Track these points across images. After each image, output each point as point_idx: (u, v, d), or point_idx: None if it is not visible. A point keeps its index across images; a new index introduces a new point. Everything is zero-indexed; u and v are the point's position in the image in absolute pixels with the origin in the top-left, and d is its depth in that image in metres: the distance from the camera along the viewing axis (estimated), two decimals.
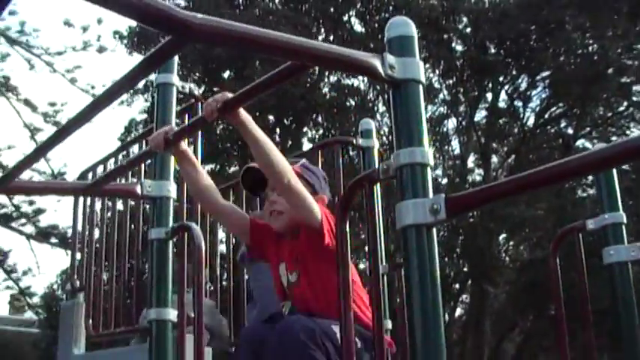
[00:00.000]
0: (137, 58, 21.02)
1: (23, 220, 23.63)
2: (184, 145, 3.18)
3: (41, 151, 2.81)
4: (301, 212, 2.97)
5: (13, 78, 23.17)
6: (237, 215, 3.34)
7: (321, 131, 20.47)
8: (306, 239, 3.03)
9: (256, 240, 3.27)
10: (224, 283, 9.54)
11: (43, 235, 23.23)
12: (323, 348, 2.75)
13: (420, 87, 2.12)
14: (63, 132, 2.40)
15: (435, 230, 2.02)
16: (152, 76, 3.70)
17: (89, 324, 4.56)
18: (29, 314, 30.82)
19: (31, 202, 23.00)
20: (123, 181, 4.16)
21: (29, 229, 23.62)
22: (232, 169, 19.30)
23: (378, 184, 2.44)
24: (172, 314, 3.27)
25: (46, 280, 40.70)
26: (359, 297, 2.99)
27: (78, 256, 5.10)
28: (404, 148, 2.08)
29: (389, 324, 4.42)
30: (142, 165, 4.04)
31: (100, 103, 2.28)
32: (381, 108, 20.62)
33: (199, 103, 3.87)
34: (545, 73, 19.37)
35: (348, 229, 2.30)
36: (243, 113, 2.78)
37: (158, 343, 3.24)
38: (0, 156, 23.03)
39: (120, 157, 4.92)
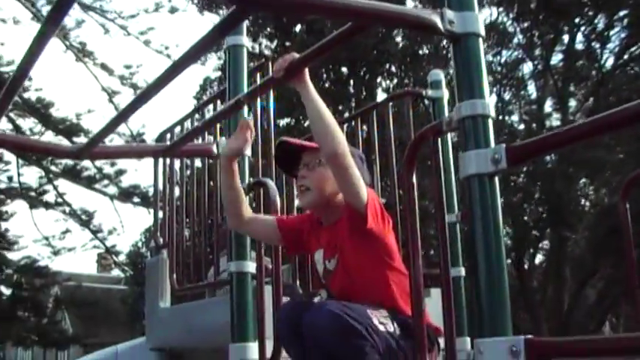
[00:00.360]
0: (207, 16, 21.26)
1: (106, 182, 24.29)
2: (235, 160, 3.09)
3: (122, 116, 2.95)
4: (346, 189, 2.76)
5: (89, 43, 23.74)
6: (262, 225, 3.16)
7: (395, 81, 20.36)
8: (347, 222, 2.81)
9: (290, 240, 3.11)
10: None
11: (126, 195, 23.84)
12: (360, 333, 2.52)
13: (480, 40, 2.16)
14: (142, 97, 2.50)
15: (496, 179, 2.08)
16: None
17: (173, 279, 4.75)
18: (116, 272, 31.88)
19: (112, 164, 23.62)
20: (200, 140, 4.29)
21: (112, 189, 24.29)
22: (307, 122, 19.43)
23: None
24: (251, 266, 3.43)
25: (131, 238, 41.80)
26: (400, 282, 2.82)
27: (160, 214, 5.28)
28: (465, 100, 2.14)
29: (462, 271, 4.51)
30: (217, 125, 4.17)
31: (175, 69, 2.39)
32: None
33: (269, 63, 3.96)
34: (623, 12, 18.77)
35: (414, 181, 2.38)
36: (306, 76, 2.72)
37: (238, 295, 3.41)
38: (81, 120, 23.68)
39: (196, 117, 5.08)
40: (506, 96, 20.90)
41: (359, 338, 2.50)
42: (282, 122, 20.02)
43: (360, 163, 2.93)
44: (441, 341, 2.49)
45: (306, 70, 2.73)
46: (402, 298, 2.78)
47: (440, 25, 2.12)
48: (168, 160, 5.24)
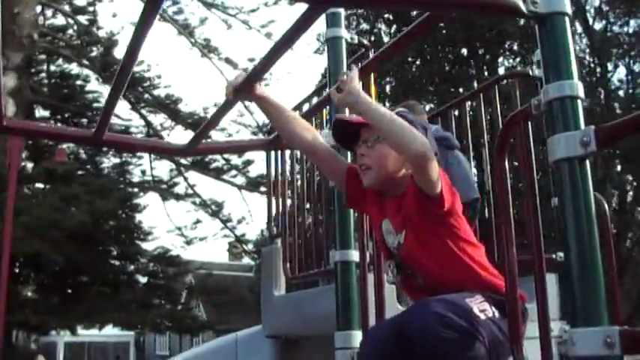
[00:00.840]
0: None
1: (234, 172, 24.86)
2: (260, 88, 2.96)
3: (222, 111, 2.99)
4: (424, 180, 2.64)
5: (213, 39, 24.39)
6: (334, 159, 3.04)
7: (518, 59, 19.91)
8: (415, 200, 2.70)
9: (353, 190, 2.99)
10: None
11: (253, 184, 24.33)
12: (468, 331, 2.39)
13: (566, 19, 2.10)
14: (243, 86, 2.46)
15: (587, 162, 2.02)
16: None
17: (287, 267, 4.85)
18: (246, 260, 32.65)
19: (240, 155, 24.16)
20: None
21: (240, 180, 24.85)
22: (428, 106, 19.28)
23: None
24: (355, 255, 3.45)
25: (259, 226, 42.74)
26: (478, 255, 2.75)
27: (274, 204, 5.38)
28: (553, 82, 2.08)
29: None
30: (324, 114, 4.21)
31: (273, 53, 2.42)
32: (579, 28, 19.71)
33: (369, 52, 3.97)
34: None
35: (507, 167, 2.35)
36: (357, 87, 2.66)
37: (343, 283, 3.45)
38: (208, 113, 24.34)
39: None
40: (637, 68, 20.06)
41: (469, 337, 2.39)
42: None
43: (423, 132, 2.78)
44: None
45: (357, 83, 2.68)
46: (485, 271, 2.70)
47: (523, 7, 2.09)
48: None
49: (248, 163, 24.60)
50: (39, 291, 20.85)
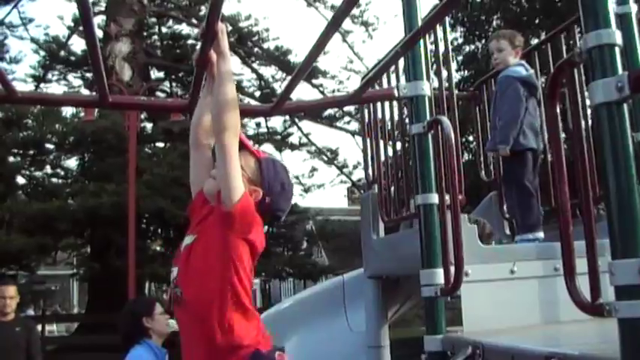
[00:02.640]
0: None
1: (347, 119, 25.13)
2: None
3: (301, 72, 3.19)
4: (220, 180, 2.61)
5: None
6: (204, 166, 2.92)
7: None
8: (216, 211, 2.65)
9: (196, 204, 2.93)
10: None
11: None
12: None
13: None
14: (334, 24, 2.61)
15: (625, 106, 2.15)
16: None
17: (382, 212, 5.10)
18: None
19: None
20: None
21: (353, 126, 25.11)
22: (535, 40, 18.86)
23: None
24: (435, 198, 3.68)
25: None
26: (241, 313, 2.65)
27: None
28: (591, 31, 2.22)
29: None
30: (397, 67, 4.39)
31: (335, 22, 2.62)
32: None
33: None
34: None
35: (558, 114, 2.50)
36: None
37: (425, 225, 3.68)
38: (317, 62, 24.60)
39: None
40: None
41: None
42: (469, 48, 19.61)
43: (276, 187, 2.78)
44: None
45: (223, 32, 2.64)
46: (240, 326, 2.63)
47: None
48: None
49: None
50: (165, 245, 21.89)
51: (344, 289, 5.84)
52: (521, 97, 5.04)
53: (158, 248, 22.18)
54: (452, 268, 3.38)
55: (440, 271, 3.52)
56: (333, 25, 2.49)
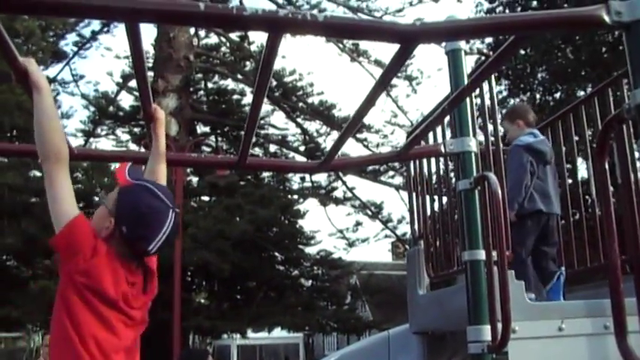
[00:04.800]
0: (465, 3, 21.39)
1: (391, 173, 25.12)
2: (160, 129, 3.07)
3: (349, 129, 3.25)
4: (51, 211, 2.45)
5: (362, 43, 24.79)
6: None
7: None
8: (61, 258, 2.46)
9: None
10: None
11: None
12: None
13: None
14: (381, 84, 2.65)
15: None
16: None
17: (429, 267, 5.09)
18: None
19: None
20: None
21: (397, 180, 25.08)
22: (580, 92, 18.80)
23: None
24: (482, 255, 3.67)
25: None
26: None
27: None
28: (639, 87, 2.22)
29: None
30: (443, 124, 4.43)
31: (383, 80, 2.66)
32: None
33: (487, 58, 4.14)
34: None
35: (607, 174, 2.50)
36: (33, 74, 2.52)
37: (472, 281, 3.67)
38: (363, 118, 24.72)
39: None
40: None
41: None
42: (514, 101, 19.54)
43: (130, 219, 2.55)
44: None
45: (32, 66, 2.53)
46: None
47: (607, 18, 2.22)
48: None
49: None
50: (210, 297, 21.98)
51: (389, 344, 5.80)
52: (524, 164, 5.10)
53: (202, 301, 22.26)
54: (499, 325, 3.35)
55: (487, 328, 3.50)
56: (381, 85, 2.54)
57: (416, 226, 5.53)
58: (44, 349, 6.85)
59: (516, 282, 3.75)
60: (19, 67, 2.51)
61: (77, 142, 23.64)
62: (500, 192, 3.53)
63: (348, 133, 3.29)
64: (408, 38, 2.03)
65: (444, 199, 5.22)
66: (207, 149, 24.61)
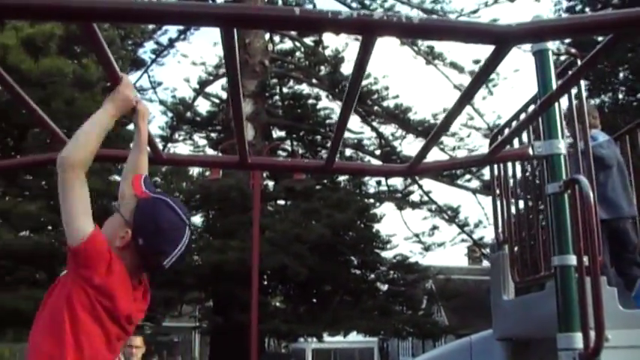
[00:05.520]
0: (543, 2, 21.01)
1: (468, 177, 24.87)
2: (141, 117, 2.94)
3: (435, 136, 3.22)
4: (63, 214, 2.42)
5: (437, 45, 24.65)
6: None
7: None
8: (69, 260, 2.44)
9: None
10: None
11: (488, 187, 24.17)
12: None
13: None
14: (472, 87, 2.58)
15: None
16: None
17: (514, 272, 5.00)
18: (486, 263, 32.41)
19: None
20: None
21: (474, 183, 24.83)
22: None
23: None
24: (573, 260, 3.58)
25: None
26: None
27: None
28: None
29: None
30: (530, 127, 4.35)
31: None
32: None
33: (578, 59, 4.05)
34: None
35: None
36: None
37: (562, 287, 3.59)
38: (438, 120, 24.57)
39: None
40: None
41: None
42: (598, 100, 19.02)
43: (150, 234, 2.51)
44: None
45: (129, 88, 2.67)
46: None
47: None
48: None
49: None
50: (286, 301, 22.12)
51: (471, 350, 5.74)
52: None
53: (278, 304, 22.42)
54: (592, 333, 3.27)
55: (578, 336, 3.41)
56: (474, 87, 2.50)
57: (500, 230, 5.45)
58: (127, 349, 6.96)
59: (609, 288, 3.66)
60: (116, 78, 2.60)
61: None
62: (591, 195, 3.44)
63: (437, 136, 3.25)
64: (505, 39, 2.00)
65: (529, 203, 5.13)
66: (283, 154, 24.80)
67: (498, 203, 5.45)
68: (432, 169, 4.55)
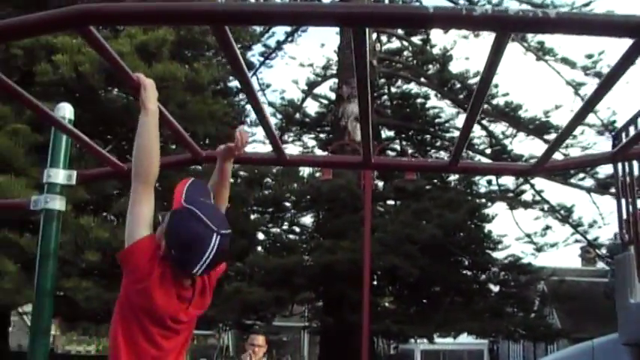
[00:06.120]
0: None
1: (581, 175, 24.20)
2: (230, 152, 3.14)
3: (586, 108, 3.05)
4: (126, 224, 2.70)
5: (547, 41, 24.09)
6: None
7: None
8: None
9: None
10: None
11: (603, 186, 23.48)
12: None
13: None
14: (607, 82, 2.46)
15: None
16: None
17: None
18: (600, 264, 31.43)
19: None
20: None
21: (588, 182, 24.14)
22: None
23: None
24: None
25: (611, 230, 40.84)
26: None
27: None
28: None
29: None
30: None
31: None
32: None
33: None
34: None
35: None
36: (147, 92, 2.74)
37: None
38: (549, 117, 24.06)
39: None
40: None
41: None
42: None
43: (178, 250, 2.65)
44: None
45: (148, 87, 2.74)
46: None
47: None
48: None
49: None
50: (397, 302, 22.04)
51: (593, 355, 5.56)
52: None
53: (387, 304, 22.37)
54: None
55: None
56: (607, 84, 2.40)
57: (624, 231, 5.27)
58: (251, 347, 7.10)
59: None
60: (134, 83, 2.71)
61: (266, 148, 24.51)
62: None
63: (565, 135, 3.17)
64: None
65: None
66: (392, 154, 24.74)
67: (623, 202, 5.27)
68: (557, 168, 4.44)
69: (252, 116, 26.21)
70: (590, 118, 24.16)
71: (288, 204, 20.33)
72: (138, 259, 2.60)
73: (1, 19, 2.16)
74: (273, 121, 26.84)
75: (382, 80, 25.18)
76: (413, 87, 25.94)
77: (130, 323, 2.62)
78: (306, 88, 26.26)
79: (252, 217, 19.65)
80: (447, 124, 25.76)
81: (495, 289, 22.21)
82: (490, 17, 1.91)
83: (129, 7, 2.00)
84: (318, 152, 25.36)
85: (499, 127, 25.41)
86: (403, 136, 25.86)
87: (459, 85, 24.43)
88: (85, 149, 3.77)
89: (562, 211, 24.71)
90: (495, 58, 2.22)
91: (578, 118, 2.77)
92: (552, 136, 24.59)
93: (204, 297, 2.82)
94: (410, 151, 24.67)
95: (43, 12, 2.09)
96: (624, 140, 3.85)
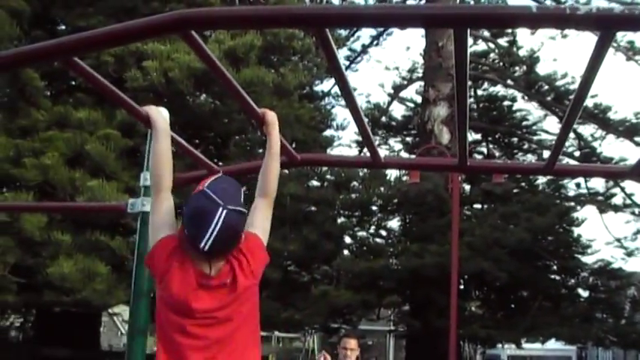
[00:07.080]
0: None
1: None
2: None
3: None
4: (149, 230, 3.08)
5: (638, 40, 23.44)
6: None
7: None
8: None
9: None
10: None
11: None
12: None
13: None
14: None
15: None
16: None
17: None
18: None
19: None
20: None
21: None
22: None
23: None
24: None
25: None
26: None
27: None
28: None
29: None
30: None
31: None
32: None
33: None
34: None
35: None
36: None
37: None
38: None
39: None
40: None
41: None
42: None
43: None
44: None
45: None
46: None
47: None
48: None
49: None
50: (484, 306, 21.76)
51: None
52: None
53: (474, 309, 22.11)
54: None
55: None
56: None
57: None
58: (343, 351, 7.17)
59: None
60: (143, 116, 3.07)
61: (352, 152, 24.58)
62: None
63: None
64: None
65: None
66: (479, 157, 24.46)
67: None
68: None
69: (338, 120, 26.38)
70: None
71: (375, 207, 20.30)
72: (158, 260, 2.81)
73: (93, 27, 2.27)
74: None
75: (468, 83, 24.90)
76: (500, 89, 25.62)
77: (161, 319, 2.80)
78: (392, 91, 26.23)
79: (339, 220, 19.70)
80: (534, 127, 25.33)
81: (585, 294, 21.70)
82: (594, 16, 1.91)
83: (228, 12, 2.07)
84: (404, 155, 25.27)
85: (588, 129, 24.87)
86: (490, 138, 25.54)
87: (546, 87, 23.98)
88: (182, 152, 3.88)
89: None
90: (598, 58, 2.22)
91: None
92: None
93: (235, 285, 2.83)
94: (497, 154, 24.35)
95: (147, 18, 2.19)
96: None
